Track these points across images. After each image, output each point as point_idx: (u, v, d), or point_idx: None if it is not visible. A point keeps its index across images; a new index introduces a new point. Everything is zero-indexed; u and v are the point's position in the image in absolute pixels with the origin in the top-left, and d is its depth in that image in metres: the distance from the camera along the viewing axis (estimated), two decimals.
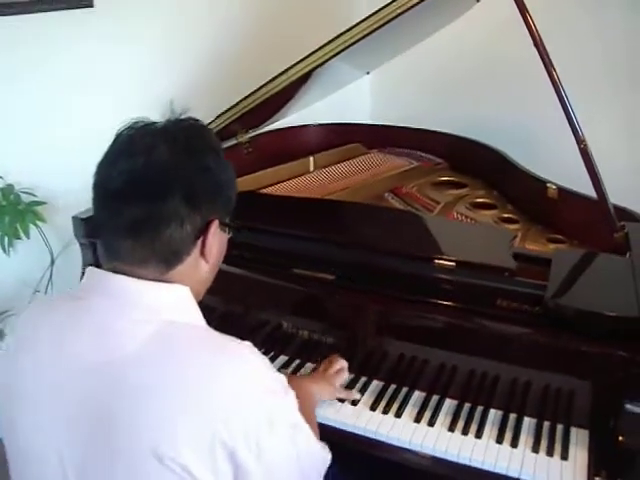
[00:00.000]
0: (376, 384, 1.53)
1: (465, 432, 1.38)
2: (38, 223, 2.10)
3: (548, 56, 1.56)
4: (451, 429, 1.38)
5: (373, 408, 1.45)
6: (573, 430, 1.37)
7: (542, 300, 1.36)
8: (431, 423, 1.40)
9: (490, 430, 1.38)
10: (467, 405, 1.45)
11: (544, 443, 1.34)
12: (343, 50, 1.75)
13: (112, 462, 0.89)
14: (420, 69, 2.63)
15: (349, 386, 1.51)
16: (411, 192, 2.08)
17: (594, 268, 1.50)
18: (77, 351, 0.93)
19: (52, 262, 2.19)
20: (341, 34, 1.75)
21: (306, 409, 1.07)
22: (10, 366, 1.00)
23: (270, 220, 1.66)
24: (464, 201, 2.01)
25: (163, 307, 0.96)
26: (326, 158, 2.34)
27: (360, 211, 1.76)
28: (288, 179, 2.14)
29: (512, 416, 1.41)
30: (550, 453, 1.31)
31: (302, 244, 1.60)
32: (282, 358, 1.63)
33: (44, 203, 2.12)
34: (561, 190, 1.84)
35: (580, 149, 1.56)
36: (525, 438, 1.35)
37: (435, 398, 1.47)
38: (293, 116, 2.29)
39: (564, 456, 1.30)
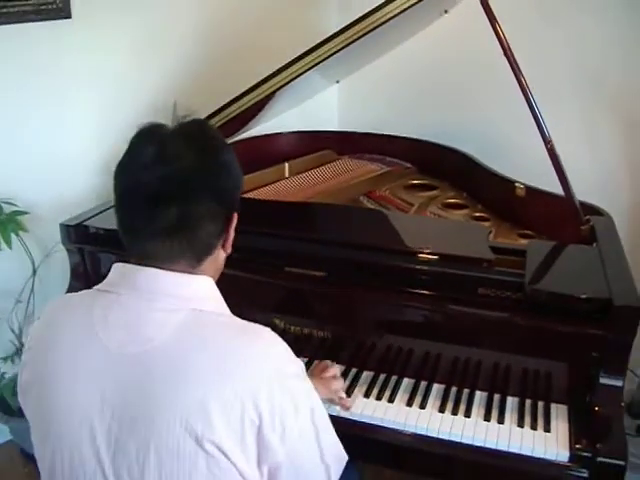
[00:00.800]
0: (367, 374, 1.61)
1: (455, 412, 1.47)
2: (20, 233, 2.12)
3: (516, 63, 1.67)
4: (441, 410, 1.48)
5: (367, 395, 1.54)
6: (553, 406, 1.48)
7: (520, 287, 1.46)
8: (422, 406, 1.49)
9: (477, 410, 1.48)
10: (454, 388, 1.54)
11: (528, 419, 1.45)
12: (316, 65, 1.81)
13: (147, 444, 0.94)
14: (387, 76, 2.72)
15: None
16: (385, 195, 2.17)
17: (566, 257, 1.62)
18: (111, 343, 0.98)
19: (34, 271, 2.20)
20: (314, 48, 1.80)
21: None
22: (42, 358, 1.04)
23: (261, 222, 1.73)
24: (436, 202, 2.11)
25: (191, 297, 1.02)
26: (300, 164, 2.42)
27: (343, 212, 1.85)
28: (265, 185, 2.21)
29: (497, 396, 1.52)
30: (534, 427, 1.42)
31: (293, 244, 1.67)
32: None
33: (26, 213, 2.14)
34: (529, 189, 1.95)
35: (547, 149, 1.68)
36: (510, 415, 1.46)
37: (424, 384, 1.56)
38: (262, 125, 2.35)
39: (547, 429, 1.41)
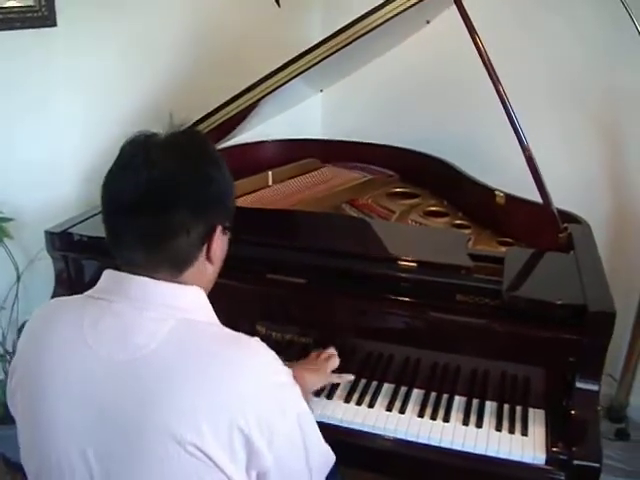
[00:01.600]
0: None
1: (434, 417, 1.49)
2: (4, 239, 2.12)
3: (495, 72, 1.71)
4: (421, 415, 1.50)
5: (347, 401, 1.56)
6: (531, 410, 1.50)
7: (498, 294, 1.48)
8: (402, 411, 1.52)
9: (456, 414, 1.50)
10: (433, 394, 1.57)
11: (506, 423, 1.47)
12: (298, 75, 1.83)
13: (136, 451, 0.95)
14: (371, 84, 2.75)
15: None
16: (367, 203, 2.19)
17: (543, 264, 1.65)
18: (101, 350, 1.00)
19: (18, 278, 2.20)
20: (298, 57, 1.82)
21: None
22: (31, 363, 1.06)
23: (243, 230, 1.74)
24: (418, 210, 2.14)
25: (181, 306, 1.03)
26: (284, 172, 2.43)
27: (326, 220, 1.87)
28: (249, 193, 2.23)
29: (475, 401, 1.54)
30: (512, 431, 1.45)
31: (274, 251, 1.69)
32: None
33: (11, 219, 2.15)
34: (508, 196, 1.98)
35: (525, 157, 1.71)
36: (488, 420, 1.49)
37: (404, 389, 1.59)
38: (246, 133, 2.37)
39: (524, 433, 1.44)
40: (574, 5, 2.35)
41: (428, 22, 2.04)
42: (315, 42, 1.82)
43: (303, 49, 1.82)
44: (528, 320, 1.45)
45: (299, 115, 2.70)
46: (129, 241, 1.04)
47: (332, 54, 1.79)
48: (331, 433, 1.45)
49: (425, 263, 1.60)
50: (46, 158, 2.29)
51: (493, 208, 2.01)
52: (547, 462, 1.37)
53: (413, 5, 1.68)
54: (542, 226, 1.77)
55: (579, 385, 1.42)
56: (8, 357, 2.22)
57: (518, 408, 1.51)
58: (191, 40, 2.60)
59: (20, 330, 2.12)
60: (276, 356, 1.05)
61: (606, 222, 2.42)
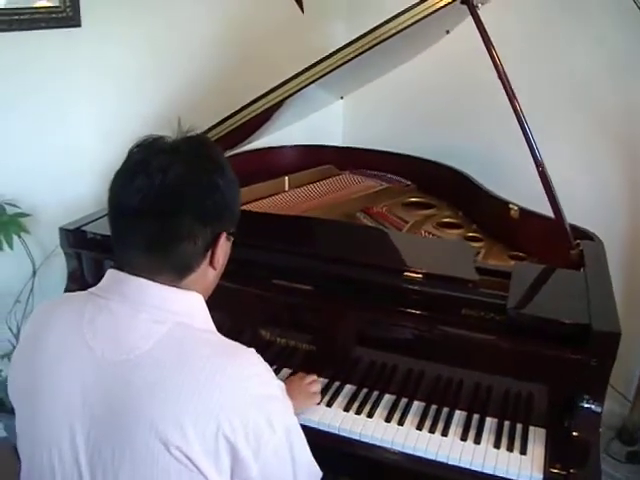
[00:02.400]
0: (349, 388, 1.62)
1: (432, 431, 1.48)
2: (22, 234, 2.16)
3: (511, 87, 1.69)
4: (419, 428, 1.49)
5: (346, 409, 1.55)
6: (531, 429, 1.48)
7: (503, 309, 1.47)
8: (400, 423, 1.51)
9: (455, 429, 1.49)
10: (434, 407, 1.55)
11: (505, 440, 1.45)
12: (320, 78, 1.83)
13: (122, 449, 0.96)
14: (392, 94, 2.76)
15: (323, 391, 1.60)
16: (381, 212, 2.19)
17: (550, 280, 1.62)
18: (96, 347, 1.01)
19: (34, 273, 2.24)
20: (319, 62, 1.82)
21: None
22: (29, 356, 1.07)
23: (251, 234, 1.75)
24: (432, 221, 2.13)
25: (178, 311, 1.04)
26: (300, 178, 2.44)
27: (335, 227, 1.87)
28: (264, 197, 2.24)
29: (476, 416, 1.52)
30: (510, 449, 1.43)
31: (281, 257, 1.69)
32: None
33: (28, 215, 2.19)
34: (522, 210, 1.96)
35: (539, 172, 1.69)
36: (487, 436, 1.47)
37: (404, 400, 1.58)
38: (269, 137, 2.38)
39: (523, 451, 1.42)
40: (593, 18, 2.33)
41: (448, 32, 2.03)
42: (338, 46, 1.82)
43: (327, 51, 1.83)
44: (532, 337, 1.43)
45: (321, 123, 2.71)
46: (133, 245, 1.04)
47: (353, 58, 1.79)
48: (328, 441, 1.49)
49: (431, 275, 1.59)
50: (65, 156, 2.33)
51: (507, 221, 1.99)
52: None
53: (430, 15, 1.67)
54: (554, 242, 1.75)
55: (582, 405, 1.40)
56: None
57: (519, 426, 1.49)
58: (215, 44, 2.63)
59: None
60: (269, 368, 1.05)
61: (624, 241, 2.38)
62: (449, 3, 1.67)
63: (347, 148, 2.70)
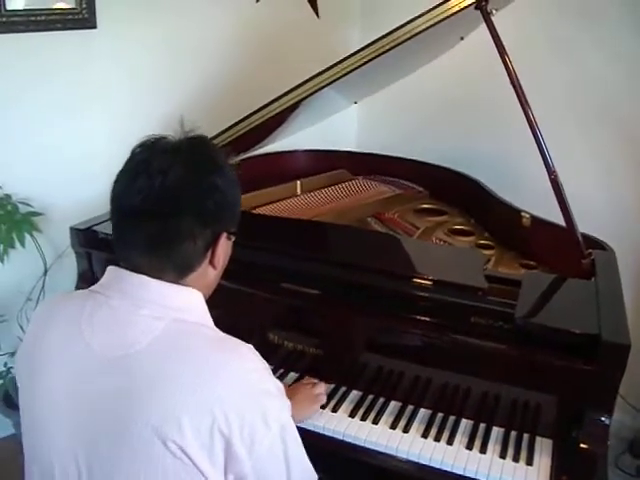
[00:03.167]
0: (355, 393, 1.62)
1: (437, 439, 1.47)
2: (34, 233, 2.18)
3: (524, 94, 1.68)
4: (424, 436, 1.48)
5: (352, 415, 1.54)
6: (538, 439, 1.46)
7: (512, 318, 1.46)
8: (406, 430, 1.49)
9: (461, 437, 1.47)
10: (440, 415, 1.54)
11: (511, 450, 1.44)
12: (334, 81, 1.83)
13: (119, 444, 0.97)
14: (407, 100, 2.75)
15: (328, 397, 1.59)
16: (393, 218, 2.18)
17: (560, 290, 1.61)
18: (94, 343, 1.01)
19: (45, 271, 2.26)
20: (333, 65, 1.82)
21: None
22: (30, 352, 1.09)
23: (261, 238, 1.75)
24: (443, 227, 2.11)
25: (176, 307, 1.04)
26: (313, 182, 2.43)
27: (345, 232, 1.86)
28: (276, 201, 2.23)
29: (482, 426, 1.51)
30: (516, 459, 1.41)
31: (291, 261, 1.69)
32: None
33: (41, 214, 2.20)
34: (534, 219, 1.94)
35: (551, 180, 1.68)
36: (493, 446, 1.45)
37: (410, 408, 1.56)
38: (282, 141, 2.39)
39: (529, 462, 1.40)
40: (606, 25, 2.31)
41: (462, 39, 2.03)
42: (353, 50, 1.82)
43: (342, 55, 1.83)
44: (540, 346, 1.42)
45: (335, 128, 2.71)
46: (134, 245, 1.05)
47: (369, 61, 1.79)
48: (333, 446, 1.48)
49: (440, 282, 1.57)
50: (79, 157, 2.35)
51: (518, 229, 1.97)
52: None
53: (442, 20, 1.66)
54: (565, 250, 1.73)
55: (590, 417, 1.38)
56: None
57: (525, 436, 1.47)
58: (230, 45, 2.64)
59: None
60: (267, 366, 1.06)
61: (636, 250, 2.35)
62: (463, 8, 1.66)
63: (360, 153, 2.69)
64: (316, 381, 1.59)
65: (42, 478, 1.06)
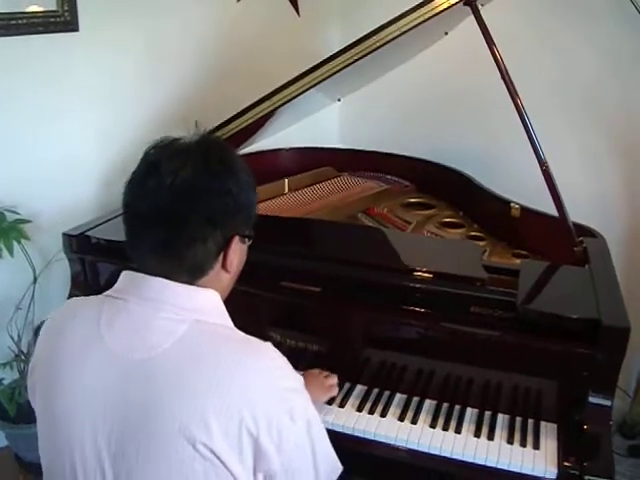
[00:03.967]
0: (360, 388, 1.63)
1: (445, 428, 1.49)
2: (22, 241, 2.15)
3: (513, 84, 1.71)
4: (432, 426, 1.50)
5: (359, 409, 1.56)
6: (543, 424, 1.50)
7: (512, 306, 1.48)
8: (414, 421, 1.52)
9: (468, 426, 1.50)
10: (446, 405, 1.57)
11: (517, 436, 1.47)
12: (319, 83, 1.84)
13: (147, 447, 0.96)
14: (389, 94, 2.77)
15: None
16: (383, 213, 2.20)
17: (558, 277, 1.64)
18: (116, 347, 1.01)
19: (34, 280, 2.22)
20: (318, 66, 1.83)
21: None
22: (49, 359, 1.07)
23: (257, 237, 1.75)
24: (433, 221, 2.14)
25: (196, 308, 1.04)
26: (300, 180, 2.45)
27: (342, 229, 1.88)
28: (264, 200, 2.24)
29: (487, 413, 1.54)
30: (523, 444, 1.44)
31: (290, 259, 1.70)
32: None
33: (29, 221, 2.17)
34: (524, 209, 1.98)
35: (542, 170, 1.71)
36: (500, 432, 1.48)
37: (416, 399, 1.59)
38: (265, 140, 2.38)
39: (536, 446, 1.43)
40: (593, 20, 2.35)
41: (446, 33, 2.05)
42: (334, 52, 1.82)
43: (322, 59, 1.83)
44: (542, 333, 1.45)
45: (317, 124, 2.71)
46: (145, 247, 1.05)
47: (349, 65, 1.80)
48: (342, 441, 1.47)
49: (440, 274, 1.60)
50: (64, 162, 2.32)
51: (508, 220, 2.01)
52: (558, 476, 1.37)
53: (431, 17, 1.68)
54: (557, 239, 1.77)
55: (592, 400, 1.42)
56: (23, 357, 2.24)
57: (530, 421, 1.51)
58: (210, 48, 2.63)
59: (36, 331, 2.14)
60: (287, 362, 1.06)
61: (624, 239, 2.41)
62: (451, 6, 1.68)
63: (344, 150, 2.71)
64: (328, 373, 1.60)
65: None
